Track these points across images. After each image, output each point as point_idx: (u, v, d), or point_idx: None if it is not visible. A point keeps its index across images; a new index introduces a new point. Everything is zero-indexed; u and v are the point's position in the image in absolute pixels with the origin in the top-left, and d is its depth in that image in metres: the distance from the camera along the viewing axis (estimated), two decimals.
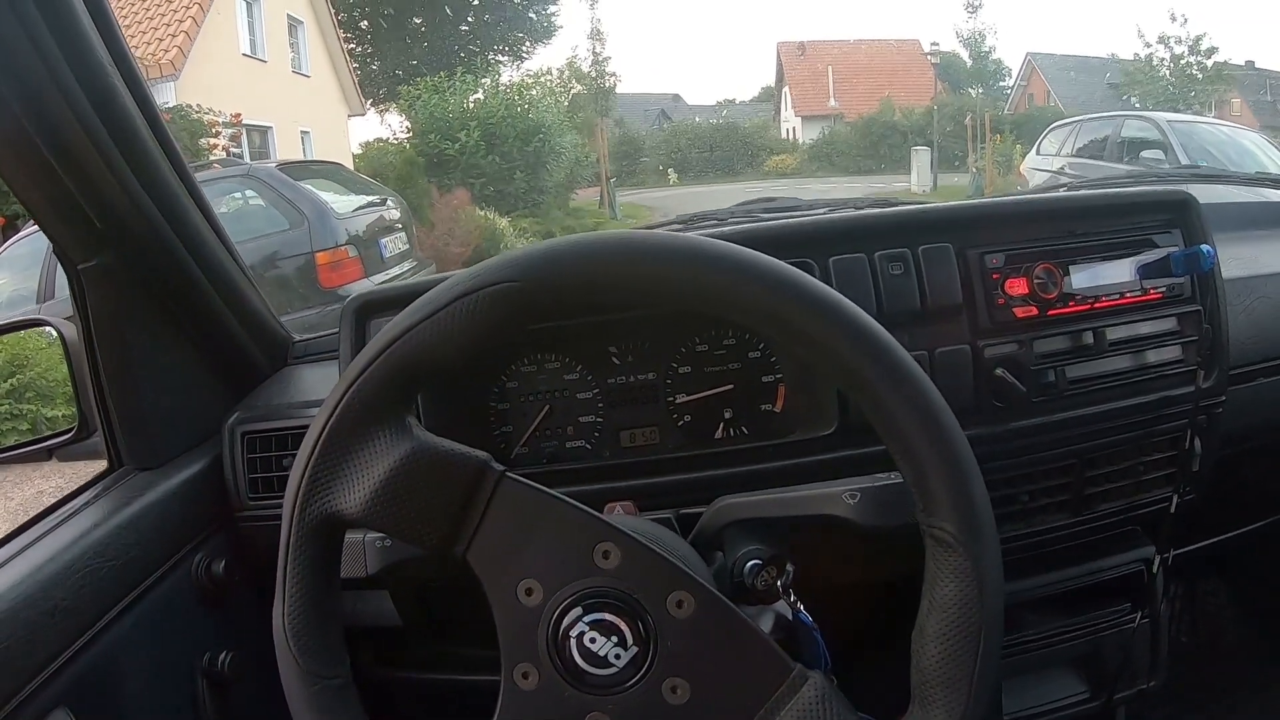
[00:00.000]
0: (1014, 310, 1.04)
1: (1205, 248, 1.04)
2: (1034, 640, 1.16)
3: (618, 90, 25.84)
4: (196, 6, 11.46)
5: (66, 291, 1.03)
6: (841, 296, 0.61)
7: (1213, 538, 1.35)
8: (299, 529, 0.64)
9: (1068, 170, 8.13)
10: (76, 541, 0.92)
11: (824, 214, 1.20)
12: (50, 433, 1.25)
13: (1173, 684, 1.26)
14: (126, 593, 0.95)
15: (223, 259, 1.14)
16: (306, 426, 1.08)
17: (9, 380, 1.92)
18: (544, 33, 23.50)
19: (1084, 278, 1.06)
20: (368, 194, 6.81)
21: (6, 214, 7.65)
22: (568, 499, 0.65)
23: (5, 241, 6.44)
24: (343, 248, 5.45)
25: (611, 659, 0.62)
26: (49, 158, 0.89)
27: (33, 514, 1.00)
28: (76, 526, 0.95)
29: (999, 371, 1.02)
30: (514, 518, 0.64)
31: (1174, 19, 22.49)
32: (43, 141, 0.88)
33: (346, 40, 18.89)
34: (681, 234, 0.64)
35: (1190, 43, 21.44)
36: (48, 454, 1.23)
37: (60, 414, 1.53)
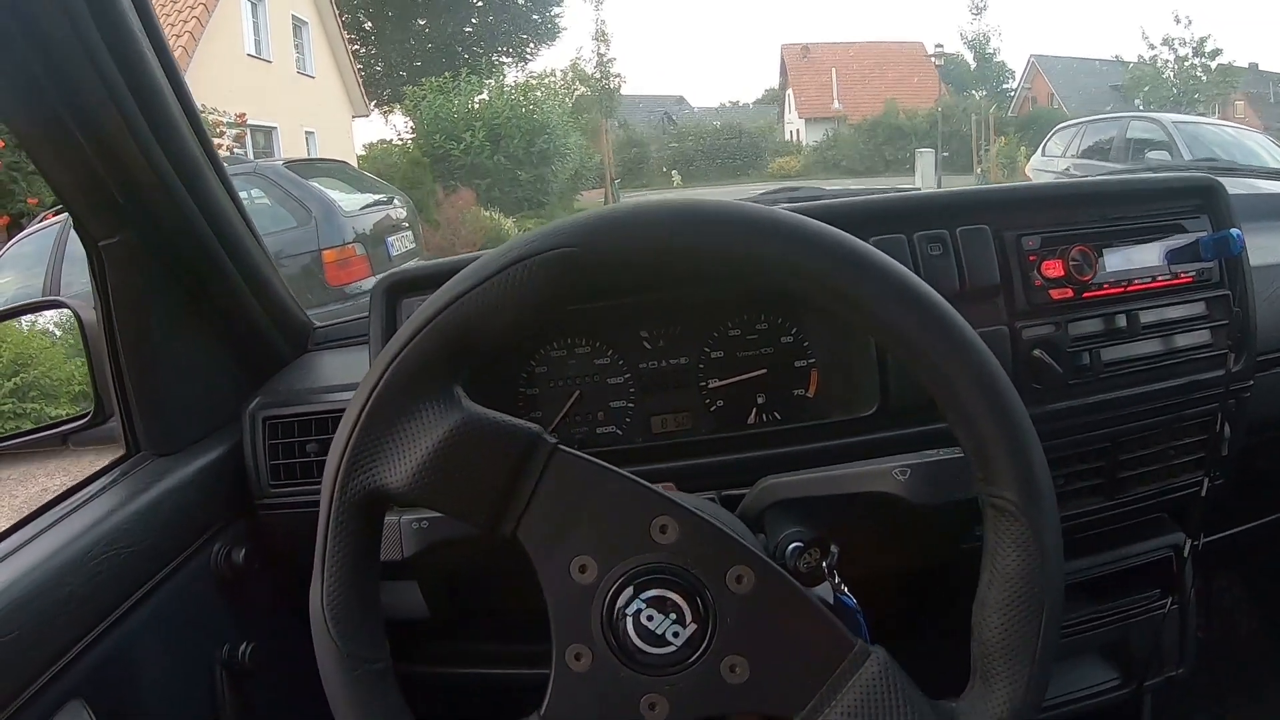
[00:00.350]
0: (1050, 292, 1.04)
1: (1234, 232, 1.04)
2: (1065, 626, 1.14)
3: (622, 92, 25.94)
4: (201, 6, 11.49)
5: (72, 289, 1.02)
6: (903, 268, 0.59)
7: (1234, 527, 1.35)
8: (340, 506, 0.61)
9: (1073, 171, 8.15)
10: (92, 528, 0.90)
11: (861, 198, 1.19)
12: (65, 418, 1.24)
13: (1197, 673, 1.26)
14: (143, 581, 0.93)
15: (247, 241, 1.13)
16: (330, 412, 1.08)
17: (13, 379, 1.91)
18: (548, 34, 23.63)
19: (1117, 260, 1.06)
20: (374, 193, 6.82)
21: (11, 213, 7.68)
22: (624, 472, 0.63)
23: (10, 240, 6.46)
24: (350, 246, 5.45)
25: (669, 637, 0.60)
26: (74, 129, 0.88)
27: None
28: (92, 513, 0.93)
29: (1037, 353, 1.01)
30: (567, 492, 0.62)
31: (1178, 21, 22.57)
32: (69, 111, 0.87)
33: (351, 41, 18.99)
34: (747, 203, 0.62)
35: (1194, 44, 21.57)
36: (62, 439, 1.21)
37: (64, 413, 1.51)
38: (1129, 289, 1.06)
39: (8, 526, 0.93)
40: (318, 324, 1.34)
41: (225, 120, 10.44)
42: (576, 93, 23.88)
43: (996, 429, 0.58)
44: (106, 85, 0.87)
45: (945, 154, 19.33)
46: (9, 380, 1.76)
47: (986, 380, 0.59)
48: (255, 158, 10.85)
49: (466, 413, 0.61)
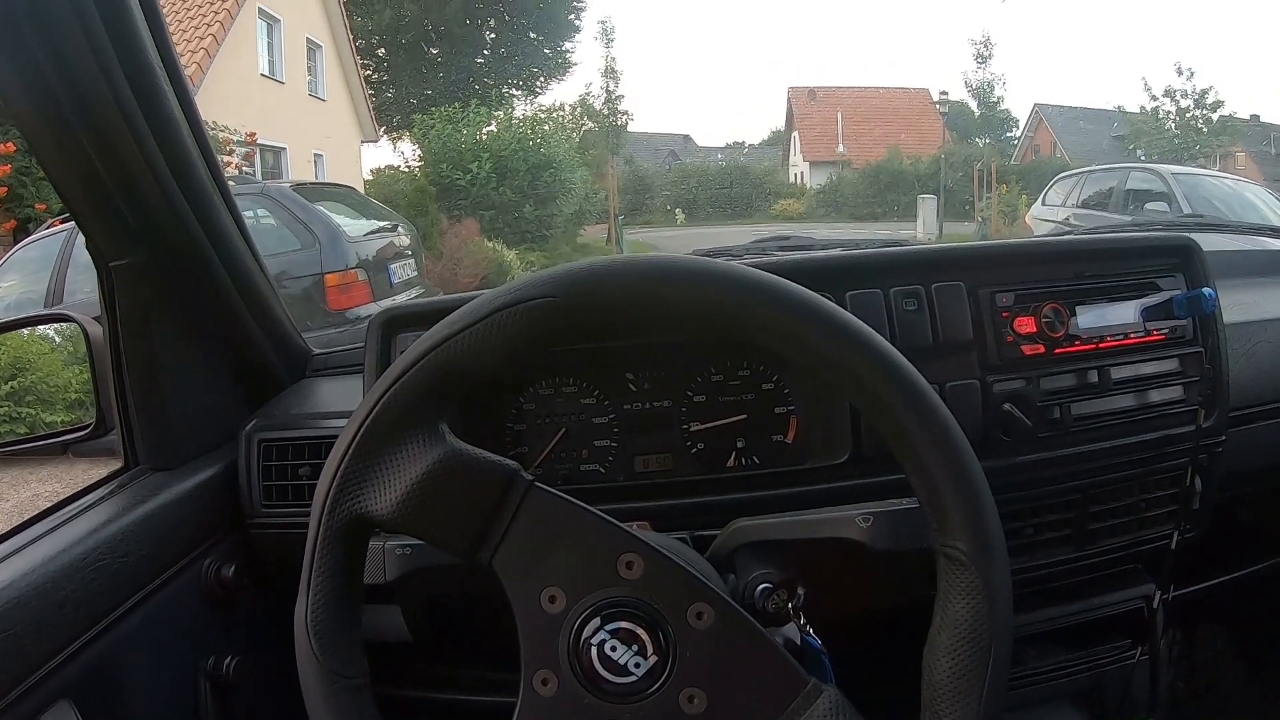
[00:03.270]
0: (1022, 348, 1.07)
1: (1207, 291, 1.07)
2: (1036, 674, 1.16)
3: (629, 129, 26.09)
4: (218, 24, 11.60)
5: (76, 297, 1.04)
6: (864, 325, 0.63)
7: (1212, 580, 1.36)
8: (328, 528, 0.65)
9: (1072, 221, 8.20)
10: (89, 536, 0.92)
11: (839, 252, 1.22)
12: (67, 427, 1.26)
13: None
14: (135, 591, 0.95)
15: (250, 267, 1.16)
16: (324, 437, 1.11)
17: (10, 382, 1.93)
18: (559, 69, 23.81)
19: (1090, 318, 1.09)
20: (379, 219, 6.87)
21: (18, 217, 7.73)
22: (594, 510, 0.66)
23: (15, 245, 6.49)
24: (352, 270, 5.49)
25: (631, 667, 0.63)
26: (91, 153, 0.92)
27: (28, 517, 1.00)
28: (89, 521, 0.96)
29: (1007, 407, 1.04)
30: (541, 526, 0.65)
31: (1180, 73, 22.67)
32: (87, 137, 0.91)
33: (363, 67, 19.11)
34: (714, 259, 0.66)
35: (1196, 96, 21.70)
36: (63, 449, 1.24)
37: (60, 419, 1.54)
38: (1101, 345, 1.09)
39: (7, 530, 0.95)
40: (315, 351, 1.37)
41: (235, 138, 10.51)
42: (584, 128, 24.05)
43: (949, 481, 0.62)
44: (124, 115, 0.91)
45: (945, 201, 19.42)
46: (6, 384, 1.78)
47: (940, 435, 0.62)
48: (263, 177, 10.91)
49: (449, 448, 0.65)
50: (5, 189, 7.78)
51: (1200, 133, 21.47)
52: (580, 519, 0.66)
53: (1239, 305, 1.29)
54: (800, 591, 0.78)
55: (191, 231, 1.04)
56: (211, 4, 11.88)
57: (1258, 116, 23.13)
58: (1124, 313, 1.10)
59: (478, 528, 0.65)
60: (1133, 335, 1.10)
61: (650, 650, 0.63)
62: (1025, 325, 1.07)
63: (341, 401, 1.22)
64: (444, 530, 0.65)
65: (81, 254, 5.19)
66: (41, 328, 1.58)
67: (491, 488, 0.65)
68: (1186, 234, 1.19)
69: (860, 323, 0.63)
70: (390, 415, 0.65)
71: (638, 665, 0.63)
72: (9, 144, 7.66)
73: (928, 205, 18.45)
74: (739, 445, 1.10)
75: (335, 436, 1.08)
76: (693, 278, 0.63)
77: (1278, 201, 7.29)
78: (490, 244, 11.76)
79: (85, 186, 0.95)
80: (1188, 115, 21.86)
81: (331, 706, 0.64)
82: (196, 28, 11.83)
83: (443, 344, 0.64)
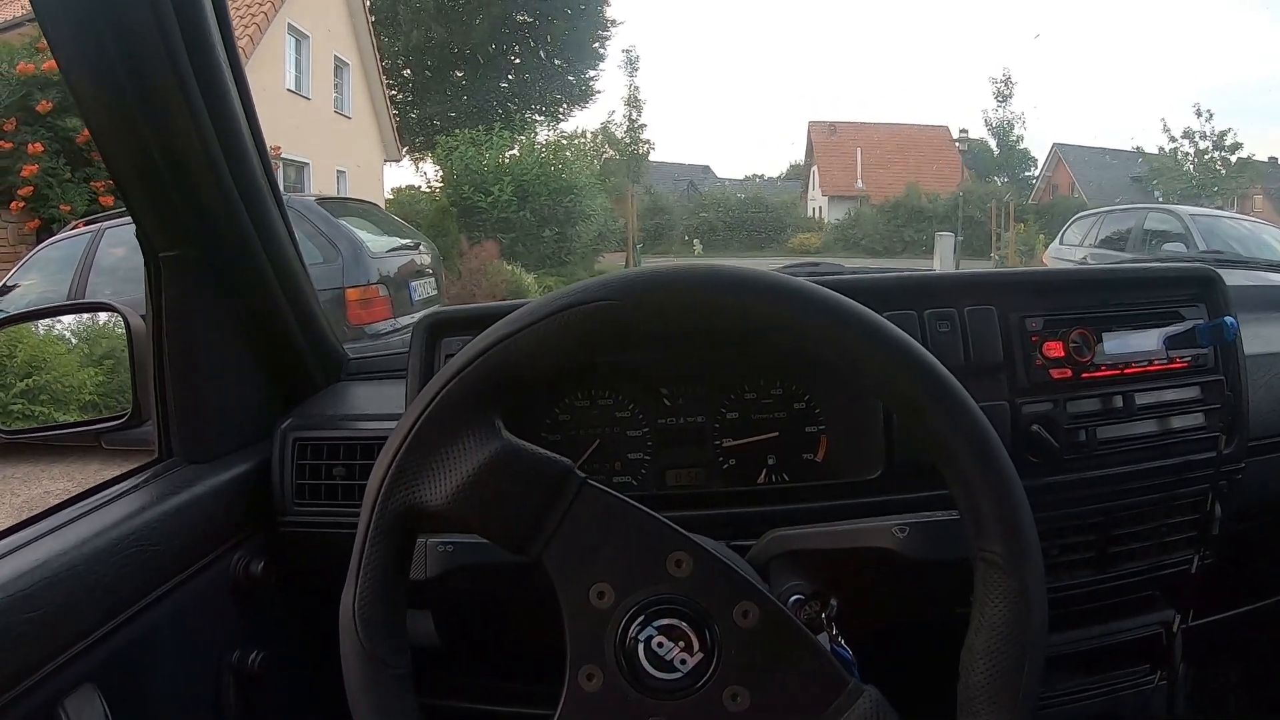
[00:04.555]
0: (1050, 372, 1.08)
1: (1229, 320, 1.08)
2: (1054, 697, 1.16)
3: (650, 158, 26.21)
4: (247, 38, 11.70)
5: (96, 299, 1.05)
6: (908, 337, 0.65)
7: (1232, 610, 1.36)
8: (380, 516, 0.66)
9: (1089, 260, 8.18)
10: (122, 522, 0.93)
11: (875, 275, 1.24)
12: (103, 416, 1.28)
13: None
14: (164, 580, 0.96)
15: (295, 268, 1.18)
16: (358, 438, 1.13)
17: (25, 380, 1.93)
18: (582, 96, 23.97)
19: (1116, 344, 1.10)
20: (401, 237, 6.90)
21: (43, 217, 7.84)
22: (646, 509, 0.68)
23: (39, 244, 6.57)
24: (374, 286, 5.51)
25: (676, 664, 0.64)
26: (152, 146, 0.94)
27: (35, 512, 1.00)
28: (124, 508, 0.97)
29: (1035, 428, 1.05)
30: (592, 523, 0.67)
31: (1199, 114, 22.71)
32: (148, 126, 0.93)
33: (389, 86, 19.30)
34: (767, 271, 0.68)
35: (1214, 138, 21.68)
36: (95, 437, 1.26)
37: (73, 419, 1.55)
38: (1126, 371, 1.10)
39: (41, 511, 0.96)
40: (351, 355, 1.39)
41: None
42: (605, 155, 24.21)
43: (988, 488, 0.63)
44: (188, 106, 0.94)
45: (963, 238, 19.43)
46: (21, 381, 1.79)
47: (981, 443, 0.64)
48: (286, 191, 11.01)
49: (505, 442, 0.67)
50: (31, 188, 7.92)
51: (1218, 174, 21.47)
52: (631, 517, 0.67)
53: (1258, 338, 1.30)
54: (833, 603, 0.79)
55: (242, 227, 1.06)
56: (241, 18, 12.03)
57: (1275, 159, 23.15)
58: (1148, 340, 1.11)
59: (530, 522, 0.66)
60: (1156, 362, 1.12)
61: (696, 647, 0.64)
62: (1054, 350, 1.08)
63: (376, 405, 1.24)
64: (497, 524, 0.66)
65: (104, 257, 5.33)
66: (59, 327, 1.60)
67: (546, 483, 0.67)
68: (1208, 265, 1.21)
69: (905, 335, 0.65)
70: (448, 409, 0.66)
71: (683, 662, 0.64)
72: (37, 144, 7.79)
73: (945, 242, 18.46)
74: (770, 462, 1.11)
75: (370, 439, 1.10)
76: (746, 287, 0.65)
77: None
78: (509, 266, 11.82)
79: (142, 176, 0.97)
80: (1206, 157, 21.88)
81: (374, 693, 0.65)
82: None
83: (503, 341, 0.65)
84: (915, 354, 0.64)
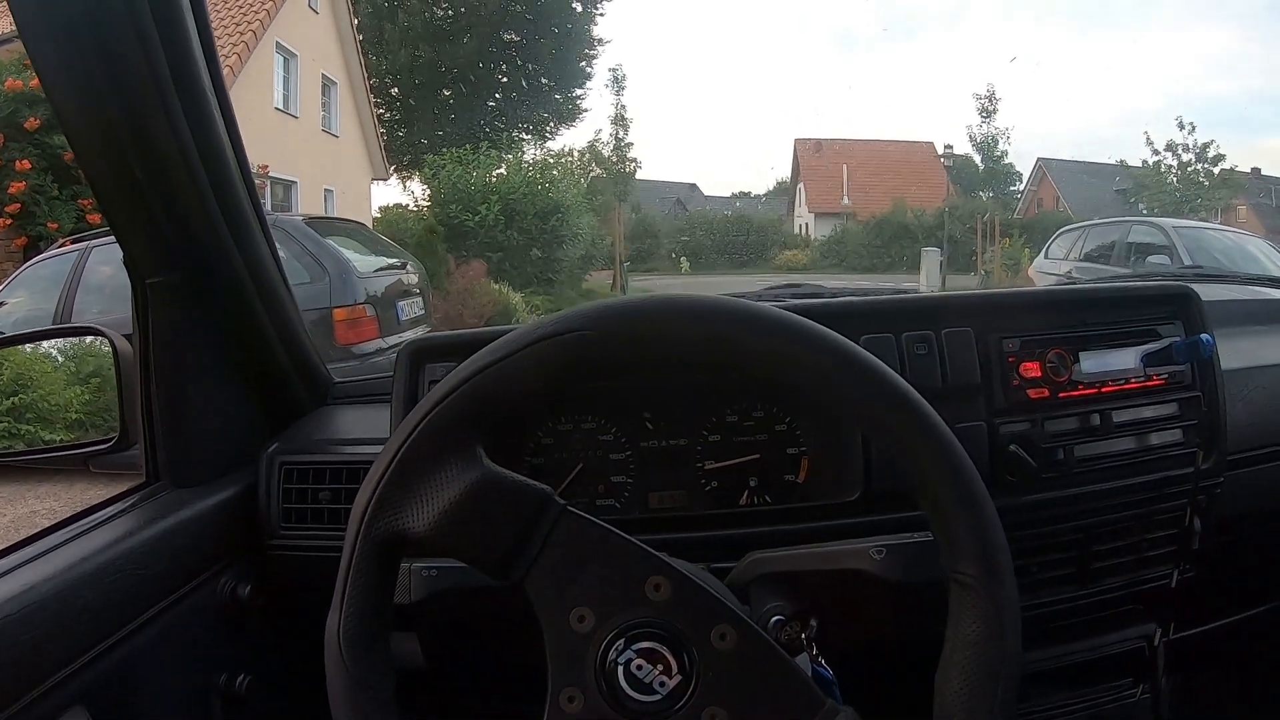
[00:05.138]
0: (1028, 391, 1.10)
1: (1205, 337, 1.10)
2: (1038, 713, 1.17)
3: (637, 176, 26.27)
4: (235, 56, 11.67)
5: (84, 317, 1.06)
6: (881, 363, 0.67)
7: (1213, 622, 1.38)
8: (364, 543, 0.67)
9: (1075, 274, 8.24)
10: (110, 546, 0.94)
11: (854, 298, 1.26)
12: (90, 437, 1.28)
13: None
14: (152, 604, 0.96)
15: (281, 293, 1.19)
16: (344, 463, 1.14)
17: (10, 399, 1.92)
18: (569, 115, 24.02)
19: (1093, 363, 1.12)
20: (389, 256, 6.91)
21: (30, 234, 7.81)
22: (624, 534, 0.69)
23: (26, 261, 6.54)
24: (361, 306, 5.50)
25: (656, 686, 0.65)
26: (139, 173, 0.95)
27: (24, 534, 1.00)
28: (111, 532, 0.97)
29: (1013, 448, 1.06)
30: (572, 548, 0.68)
31: (1182, 127, 22.85)
32: (137, 157, 0.94)
33: (377, 105, 19.29)
34: (742, 300, 0.69)
35: (1197, 150, 21.81)
36: (84, 461, 1.26)
37: (59, 438, 1.55)
38: (1104, 390, 1.12)
39: (28, 535, 0.96)
40: (337, 379, 1.39)
41: None
42: (592, 174, 24.26)
43: (960, 510, 0.65)
44: (174, 134, 0.95)
45: (948, 254, 19.51)
46: (7, 399, 1.78)
47: (952, 466, 0.65)
48: (274, 210, 10.98)
49: (486, 470, 0.68)
50: (19, 205, 7.88)
51: (1202, 186, 21.60)
52: (610, 542, 0.69)
53: (1237, 352, 1.32)
54: (813, 623, 0.80)
55: (228, 253, 1.07)
56: (230, 36, 12.01)
57: (1259, 169, 23.35)
58: (1125, 358, 1.13)
59: (511, 548, 0.67)
60: (1134, 380, 1.13)
61: (675, 670, 0.66)
62: (1031, 370, 1.10)
63: (362, 429, 1.25)
64: (479, 550, 0.68)
65: (91, 275, 5.32)
66: (47, 345, 1.60)
67: (526, 510, 0.68)
68: (1186, 283, 1.22)
69: (878, 360, 0.67)
70: (430, 437, 0.67)
71: (662, 684, 0.65)
72: (25, 161, 7.77)
73: (931, 258, 18.54)
74: (752, 484, 1.12)
75: (356, 463, 1.11)
76: (719, 316, 0.66)
77: (1278, 254, 7.33)
78: (497, 286, 11.80)
79: (128, 202, 0.99)
80: (1189, 169, 22.02)
81: (359, 717, 0.66)
82: None
83: (484, 370, 0.67)
84: (885, 378, 0.66)
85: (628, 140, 26.99)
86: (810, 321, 0.67)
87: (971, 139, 27.20)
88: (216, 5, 12.37)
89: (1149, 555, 1.16)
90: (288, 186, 14.18)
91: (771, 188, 33.53)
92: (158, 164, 0.96)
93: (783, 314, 0.67)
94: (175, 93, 0.94)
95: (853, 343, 0.67)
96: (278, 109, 14.15)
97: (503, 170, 15.48)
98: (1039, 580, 1.12)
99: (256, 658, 1.13)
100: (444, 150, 16.20)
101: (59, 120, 0.93)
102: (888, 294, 1.28)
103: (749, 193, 33.83)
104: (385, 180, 19.67)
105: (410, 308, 6.43)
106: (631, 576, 0.68)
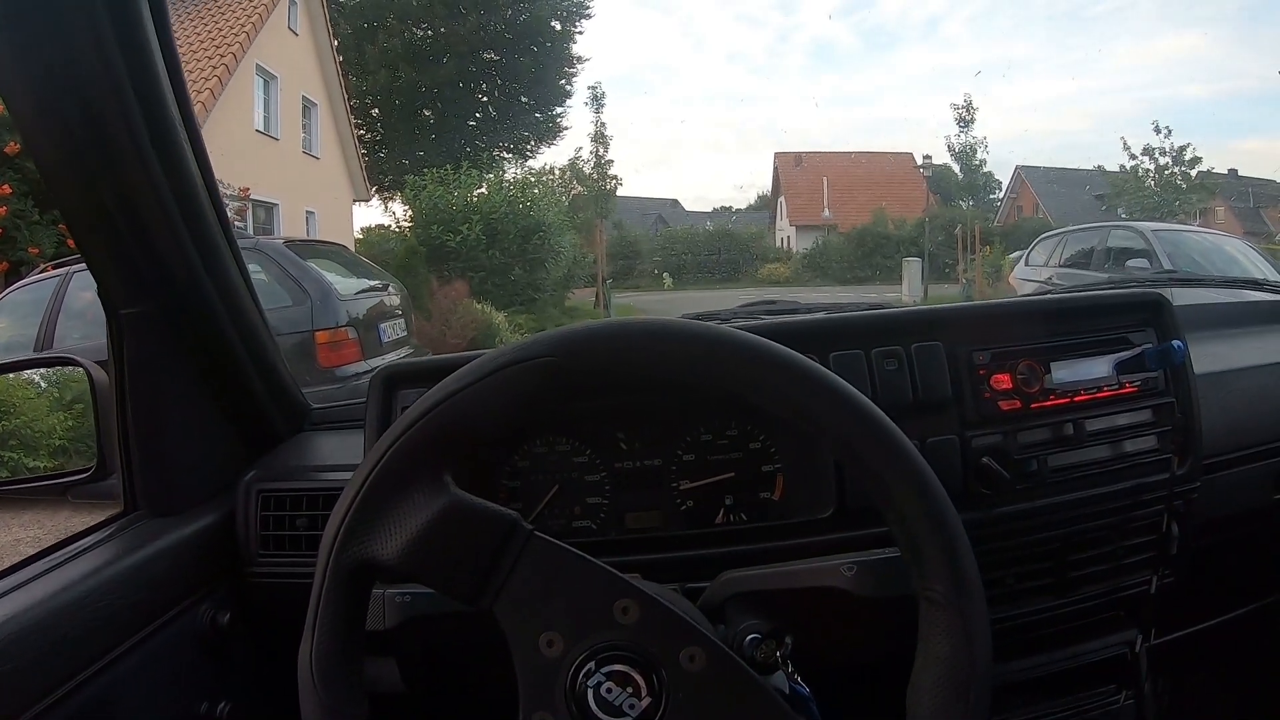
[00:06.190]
0: (999, 404, 1.10)
1: (1176, 343, 1.11)
2: None
3: (618, 193, 26.28)
4: (215, 79, 11.63)
5: (65, 343, 1.06)
6: (844, 381, 0.68)
7: (1195, 626, 1.38)
8: (334, 572, 0.68)
9: (1055, 280, 8.27)
10: (89, 577, 0.94)
11: (823, 315, 1.27)
12: (69, 470, 1.27)
13: None
14: (132, 634, 0.96)
15: (255, 321, 1.20)
16: (322, 489, 1.14)
17: None
18: (549, 133, 23.97)
19: (1065, 373, 1.13)
20: (370, 278, 6.88)
21: (11, 260, 7.75)
22: (591, 558, 0.70)
23: (7, 287, 6.50)
24: (343, 329, 5.48)
25: (625, 709, 0.66)
26: (109, 202, 0.96)
27: (6, 563, 1.01)
28: (90, 562, 0.98)
29: (985, 460, 1.06)
30: (540, 573, 0.68)
31: (1158, 131, 22.94)
32: (109, 189, 0.95)
33: (357, 126, 19.22)
34: (704, 323, 0.70)
35: (1174, 153, 21.90)
36: (62, 491, 1.26)
37: (44, 465, 1.54)
38: (1076, 399, 1.12)
39: (7, 566, 0.97)
40: (314, 405, 1.40)
41: (229, 194, 10.55)
42: (573, 191, 24.21)
43: (926, 527, 0.66)
44: (144, 166, 0.96)
45: (931, 262, 19.60)
46: None
47: (917, 483, 0.66)
48: (255, 233, 10.95)
49: (453, 497, 0.69)
50: (0, 230, 7.83)
51: (1179, 189, 21.63)
52: (577, 567, 0.69)
53: (1211, 356, 1.34)
54: (788, 641, 0.80)
55: (201, 283, 1.08)
56: (210, 58, 11.97)
57: (1235, 170, 23.46)
58: (1098, 367, 1.14)
59: (480, 574, 0.68)
60: (1107, 388, 1.14)
61: (644, 692, 0.66)
62: (1001, 382, 1.10)
63: (338, 455, 1.25)
64: (447, 577, 0.68)
65: (73, 300, 5.29)
66: (28, 372, 1.59)
67: (493, 536, 0.68)
68: (1159, 289, 1.24)
69: (840, 380, 0.68)
70: (397, 466, 0.68)
71: (632, 706, 0.66)
72: (5, 186, 7.73)
73: (912, 268, 18.60)
74: (727, 502, 1.12)
75: (333, 489, 1.11)
76: (682, 339, 0.67)
77: (1258, 255, 7.37)
78: (479, 305, 11.76)
79: (101, 234, 0.99)
80: (1167, 172, 22.05)
81: None
82: (194, 81, 11.87)
83: (449, 399, 0.68)
84: (848, 396, 0.67)
85: (608, 157, 27.03)
86: (772, 343, 0.68)
87: (950, 149, 27.29)
88: (196, 28, 12.35)
89: (1127, 562, 1.17)
90: (269, 209, 14.11)
91: (753, 202, 33.59)
92: (128, 196, 0.97)
93: (745, 336, 0.68)
94: (144, 125, 0.95)
95: (814, 362, 0.68)
96: (259, 131, 14.08)
97: (484, 190, 15.43)
98: (1017, 591, 1.12)
99: (237, 685, 1.13)
100: (425, 170, 16.13)
101: (30, 154, 0.93)
102: (859, 309, 1.29)
103: (730, 207, 33.87)
104: (367, 201, 19.65)
105: (393, 329, 6.40)
106: (599, 600, 0.68)
